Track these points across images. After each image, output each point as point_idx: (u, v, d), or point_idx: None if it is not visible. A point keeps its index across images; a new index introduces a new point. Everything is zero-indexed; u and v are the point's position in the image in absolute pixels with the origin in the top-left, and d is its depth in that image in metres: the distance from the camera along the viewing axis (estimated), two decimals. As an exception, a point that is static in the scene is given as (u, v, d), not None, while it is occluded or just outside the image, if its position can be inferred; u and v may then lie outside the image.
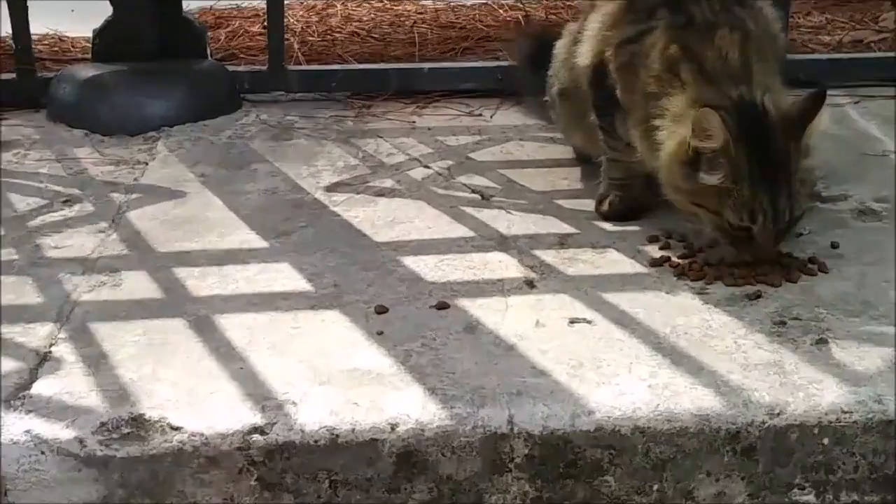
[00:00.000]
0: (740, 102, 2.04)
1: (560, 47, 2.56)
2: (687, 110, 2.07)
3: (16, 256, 2.19)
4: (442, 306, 1.99)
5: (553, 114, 2.65)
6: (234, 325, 1.94)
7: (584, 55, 2.35)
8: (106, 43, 3.08)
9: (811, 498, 1.73)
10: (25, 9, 2.99)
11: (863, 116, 2.90)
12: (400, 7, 3.84)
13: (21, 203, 2.44)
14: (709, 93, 2.07)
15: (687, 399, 1.72)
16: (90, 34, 3.14)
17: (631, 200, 2.34)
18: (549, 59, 2.66)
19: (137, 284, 2.09)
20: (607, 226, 2.32)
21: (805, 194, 2.07)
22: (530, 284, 2.08)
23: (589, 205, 2.42)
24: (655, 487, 1.72)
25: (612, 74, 2.26)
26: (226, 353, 1.85)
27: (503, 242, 2.25)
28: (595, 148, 2.46)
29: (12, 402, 1.72)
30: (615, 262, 2.17)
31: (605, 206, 2.35)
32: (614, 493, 1.72)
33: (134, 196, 2.50)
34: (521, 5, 3.78)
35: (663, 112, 2.11)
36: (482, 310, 1.98)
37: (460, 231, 2.31)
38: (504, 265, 2.16)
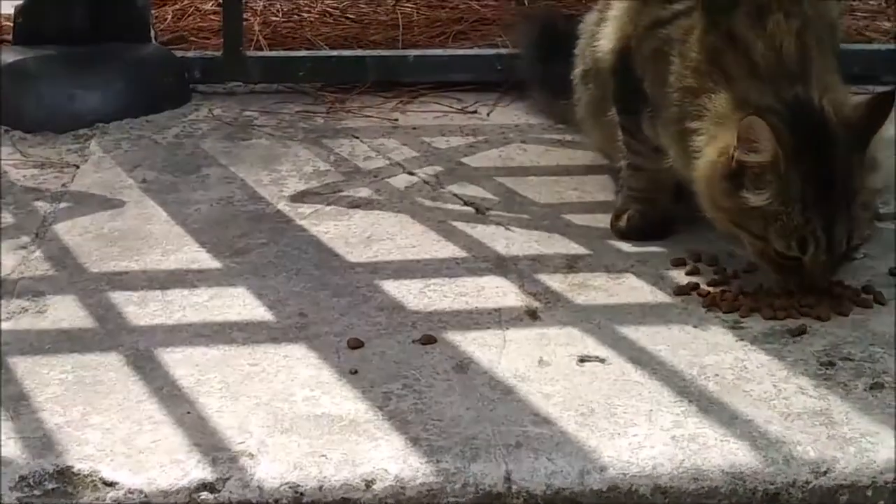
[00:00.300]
0: (796, 106, 2.04)
1: (587, 24, 2.57)
2: (731, 113, 2.07)
3: (-80, 276, 2.20)
4: (427, 341, 2.00)
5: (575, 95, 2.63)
6: (179, 362, 1.94)
7: (607, 38, 2.37)
8: (30, 22, 3.09)
9: (863, 572, 1.74)
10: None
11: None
12: (380, -18, 3.87)
13: (-73, 212, 2.46)
14: (759, 92, 2.07)
15: (717, 454, 1.73)
16: (11, 12, 3.16)
17: (654, 217, 2.35)
18: (557, 46, 2.68)
19: (65, 311, 2.10)
20: (625, 246, 2.34)
21: (867, 218, 2.08)
22: (533, 315, 2.09)
23: (604, 221, 2.44)
24: (679, 558, 1.73)
25: (639, 63, 2.28)
26: (170, 395, 1.86)
27: (501, 265, 2.27)
28: (614, 148, 2.48)
29: (-85, 450, 1.72)
30: (633, 289, 2.18)
31: (623, 223, 2.37)
32: (630, 565, 1.73)
33: (62, 205, 2.51)
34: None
35: (702, 112, 2.11)
36: (475, 345, 1.99)
37: (450, 251, 2.33)
38: (502, 292, 2.17)
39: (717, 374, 1.91)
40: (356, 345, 1.99)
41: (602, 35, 2.39)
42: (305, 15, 3.58)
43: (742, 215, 2.06)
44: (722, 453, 1.73)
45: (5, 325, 2.05)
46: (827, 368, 1.93)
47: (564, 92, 2.68)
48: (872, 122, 2.04)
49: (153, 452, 1.72)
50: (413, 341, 2.00)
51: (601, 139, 2.56)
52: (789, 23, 2.12)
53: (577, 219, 2.46)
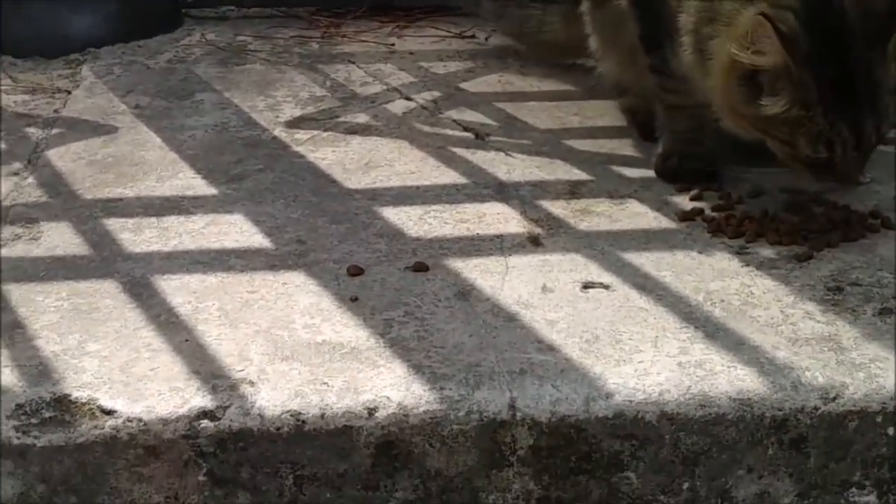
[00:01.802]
0: (811, 1, 1.96)
1: None
2: (743, 10, 1.99)
3: (-89, 204, 2.17)
4: (419, 268, 1.98)
5: (585, 26, 2.52)
6: (177, 289, 1.92)
7: None
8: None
9: (872, 498, 1.73)
10: None
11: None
12: None
13: (-84, 139, 2.43)
14: None
15: (724, 380, 1.71)
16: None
17: (704, 157, 2.25)
18: None
19: (60, 238, 2.07)
20: (627, 171, 2.31)
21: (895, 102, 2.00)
22: (535, 242, 2.07)
23: (606, 146, 2.41)
24: (686, 486, 1.71)
25: None
26: (167, 323, 1.83)
27: (502, 191, 2.24)
28: (631, 75, 2.41)
29: None
30: (637, 214, 2.16)
31: (671, 165, 2.27)
32: (636, 492, 1.71)
33: (54, 131, 2.48)
34: None
35: (715, 15, 2.03)
36: (477, 272, 1.97)
37: (450, 177, 2.30)
38: (503, 218, 2.14)
39: (722, 300, 1.89)
40: (356, 272, 1.97)
41: None
42: (299, -62, 3.53)
43: (765, 122, 2.00)
44: (729, 379, 1.71)
45: (-2, 253, 2.03)
46: (835, 294, 1.91)
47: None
48: None
49: (151, 380, 1.70)
50: (406, 268, 1.98)
51: (619, 65, 2.46)
52: None
53: (579, 144, 2.43)
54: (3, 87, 2.69)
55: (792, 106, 1.97)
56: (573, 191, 2.24)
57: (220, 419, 1.66)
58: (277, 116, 2.56)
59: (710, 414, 1.69)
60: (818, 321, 1.84)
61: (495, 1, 2.84)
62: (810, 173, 2.05)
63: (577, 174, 2.30)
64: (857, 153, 1.99)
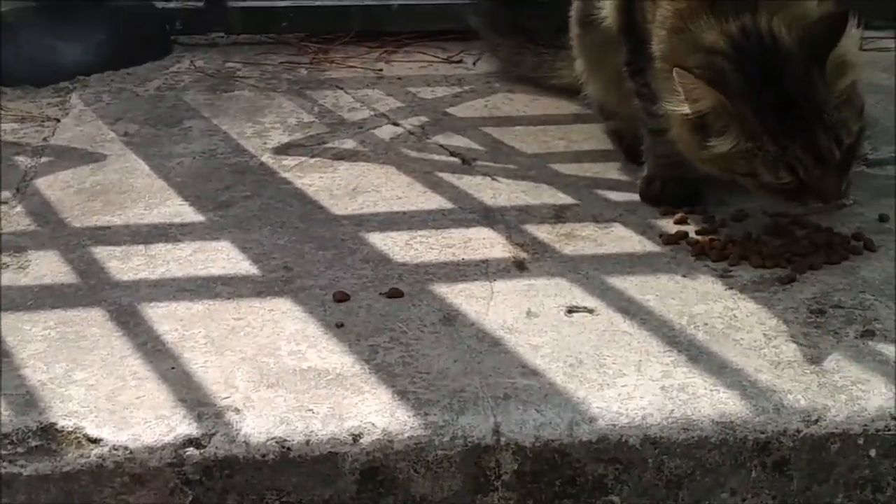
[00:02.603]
0: (741, 38, 2.00)
1: None
2: (689, 55, 2.03)
3: None
4: (394, 294, 1.98)
5: (573, 50, 2.56)
6: (163, 317, 1.93)
7: None
8: (8, -26, 3.06)
9: (854, 520, 1.74)
10: None
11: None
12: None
13: None
14: (708, 30, 2.02)
15: (707, 403, 1.72)
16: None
17: (687, 180, 2.26)
18: None
19: (48, 267, 2.08)
20: (612, 195, 2.32)
21: (855, 113, 2.03)
22: (520, 266, 2.08)
23: (591, 170, 2.42)
24: (669, 509, 1.72)
25: (639, 12, 2.20)
26: (154, 350, 1.84)
27: (488, 216, 2.25)
28: (616, 99, 2.43)
29: None
30: (621, 238, 2.17)
31: (656, 189, 2.29)
32: (620, 516, 1.72)
33: (43, 160, 2.48)
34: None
35: (673, 54, 2.07)
36: (462, 297, 1.98)
37: (436, 202, 2.31)
38: (489, 243, 2.15)
39: (706, 324, 1.90)
40: (342, 298, 1.97)
41: None
42: (287, -36, 3.54)
43: (723, 160, 2.04)
44: (712, 403, 1.72)
45: (-14, 282, 2.03)
46: (817, 316, 1.92)
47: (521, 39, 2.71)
48: (830, 35, 1.99)
49: (138, 408, 1.71)
50: (380, 294, 1.98)
51: (601, 90, 2.50)
52: None
53: (565, 168, 2.44)
54: (-8, 116, 2.70)
55: (739, 140, 2.00)
56: (558, 215, 2.25)
57: (205, 447, 1.66)
58: (265, 143, 2.57)
59: (693, 437, 1.69)
60: (801, 344, 1.85)
61: (511, 48, 2.87)
62: (789, 200, 2.06)
63: (563, 198, 2.31)
64: (824, 169, 2.00)
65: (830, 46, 1.98)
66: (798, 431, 1.70)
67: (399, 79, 2.93)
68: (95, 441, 1.66)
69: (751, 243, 2.11)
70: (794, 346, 1.84)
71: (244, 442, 1.67)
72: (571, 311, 1.94)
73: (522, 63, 2.85)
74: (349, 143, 2.57)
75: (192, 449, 1.66)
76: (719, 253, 2.09)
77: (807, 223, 2.17)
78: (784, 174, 2.00)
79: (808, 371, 1.78)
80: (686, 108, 2.01)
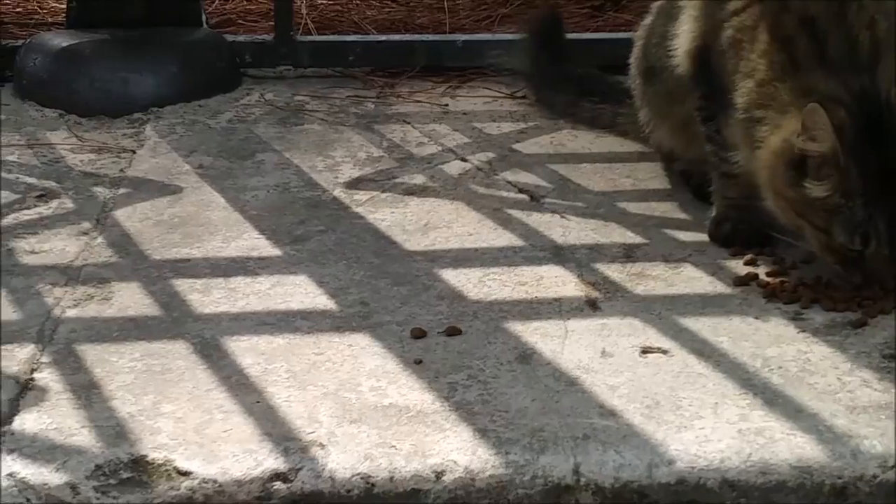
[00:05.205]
0: (863, 98, 2.03)
1: (643, 29, 2.56)
2: (797, 101, 2.06)
3: (-14, 262, 2.21)
4: (452, 332, 1.99)
5: (635, 100, 2.61)
6: (245, 350, 1.95)
7: (684, 37, 2.33)
8: (84, 6, 3.10)
9: (929, 566, 1.74)
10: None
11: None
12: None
13: (-12, 198, 2.47)
14: (826, 82, 2.05)
15: (784, 447, 1.73)
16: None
17: (755, 222, 2.26)
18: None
19: (130, 298, 2.11)
20: (682, 235, 2.33)
21: None
22: (593, 305, 2.09)
23: (658, 209, 2.43)
24: (746, 551, 1.73)
25: (715, 60, 2.23)
26: (238, 384, 1.87)
27: (558, 254, 2.27)
28: (683, 145, 2.46)
29: (-10, 438, 1.74)
30: (692, 279, 2.18)
31: (725, 230, 2.29)
32: (697, 557, 1.73)
33: (121, 191, 2.52)
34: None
35: (768, 101, 2.10)
36: (537, 335, 2.00)
37: (507, 239, 2.33)
38: (561, 281, 2.17)
39: (780, 367, 1.91)
40: (419, 334, 1.99)
41: (675, 35, 2.34)
42: (352, -2, 3.58)
43: (805, 206, 2.05)
44: (789, 447, 1.73)
45: (73, 313, 2.05)
46: (890, 361, 1.92)
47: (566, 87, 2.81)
48: None
49: (225, 441, 1.73)
50: (439, 332, 1.99)
51: (670, 134, 2.52)
52: (866, 11, 2.09)
53: (632, 206, 2.46)
54: (69, 146, 2.72)
55: (834, 192, 2.01)
56: (628, 254, 2.26)
57: (292, 481, 1.68)
58: (336, 177, 2.59)
59: (771, 481, 1.70)
60: (875, 389, 1.85)
61: (565, 99, 2.90)
62: (840, 266, 2.07)
63: (632, 237, 2.33)
64: (890, 251, 2.01)
65: None
66: (874, 477, 1.71)
67: (464, 114, 2.95)
68: (185, 474, 1.68)
69: (822, 287, 2.12)
70: (868, 390, 1.85)
71: (330, 477, 1.68)
72: (646, 351, 1.96)
73: (579, 115, 2.87)
74: (419, 179, 2.59)
75: (279, 483, 1.68)
76: (790, 295, 2.10)
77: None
78: (857, 241, 2.01)
79: (883, 416, 1.79)
80: (801, 143, 2.02)
